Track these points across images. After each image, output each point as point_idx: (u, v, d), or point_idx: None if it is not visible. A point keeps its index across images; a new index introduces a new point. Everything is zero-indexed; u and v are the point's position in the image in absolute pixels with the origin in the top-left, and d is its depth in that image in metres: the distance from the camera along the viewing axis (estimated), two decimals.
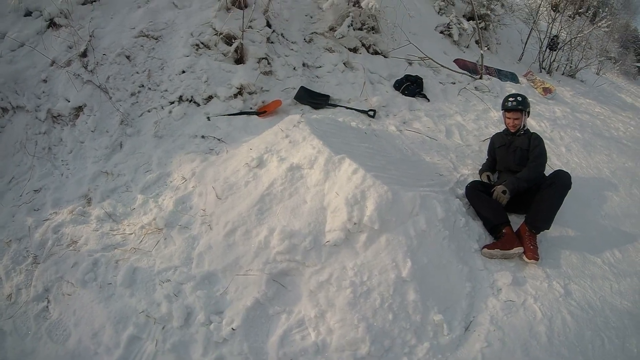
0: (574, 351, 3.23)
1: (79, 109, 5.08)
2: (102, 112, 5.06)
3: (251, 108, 5.24)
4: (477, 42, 8.08)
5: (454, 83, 6.75)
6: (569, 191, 4.04)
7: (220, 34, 5.55)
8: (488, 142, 5.06)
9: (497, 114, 6.07)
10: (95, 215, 4.08)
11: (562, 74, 10.25)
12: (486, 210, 4.07)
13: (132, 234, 3.84)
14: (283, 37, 6.10)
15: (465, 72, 7.12)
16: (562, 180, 4.00)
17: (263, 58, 5.58)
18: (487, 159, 4.83)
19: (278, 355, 3.00)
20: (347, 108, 5.44)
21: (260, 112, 5.17)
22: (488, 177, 4.57)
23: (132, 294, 3.36)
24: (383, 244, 3.41)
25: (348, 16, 6.36)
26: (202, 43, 5.56)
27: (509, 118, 4.50)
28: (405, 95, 5.99)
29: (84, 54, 5.36)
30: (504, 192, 4.09)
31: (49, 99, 5.11)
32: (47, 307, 3.47)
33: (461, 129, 5.63)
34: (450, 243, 3.64)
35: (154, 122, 4.98)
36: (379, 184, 3.54)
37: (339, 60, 6.16)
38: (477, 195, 4.15)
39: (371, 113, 5.40)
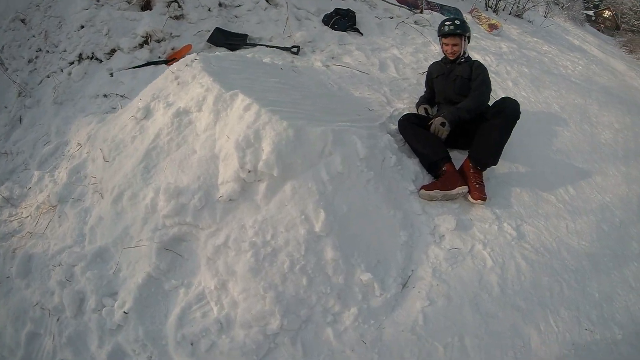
0: (531, 301, 2.69)
1: None
2: (0, 84, 4.45)
3: (159, 57, 4.52)
4: None
5: (392, 17, 5.95)
6: (517, 122, 3.35)
7: None
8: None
9: (437, 47, 5.32)
10: None
11: (509, 14, 9.32)
12: (423, 146, 3.37)
13: (28, 216, 3.25)
14: None
15: (405, 6, 6.12)
16: (509, 109, 3.31)
17: (172, 1, 4.80)
18: (424, 92, 4.11)
19: (176, 339, 2.36)
20: (268, 46, 4.69)
21: (169, 60, 4.44)
22: (426, 110, 3.85)
23: (28, 284, 2.82)
24: (288, 194, 2.67)
25: None
26: None
27: (446, 44, 3.73)
28: (335, 29, 5.18)
29: None
30: (442, 124, 3.38)
31: None
32: None
33: (397, 62, 4.86)
34: (378, 185, 2.93)
35: (52, 88, 4.31)
36: (277, 119, 2.74)
37: None
38: (411, 129, 3.43)
39: (294, 50, 4.64)
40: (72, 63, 4.46)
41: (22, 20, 4.76)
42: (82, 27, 4.57)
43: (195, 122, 2.99)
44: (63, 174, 3.35)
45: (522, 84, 5.34)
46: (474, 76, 3.63)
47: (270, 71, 3.70)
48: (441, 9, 6.79)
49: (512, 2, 9.37)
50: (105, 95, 4.15)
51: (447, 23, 3.66)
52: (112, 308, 2.51)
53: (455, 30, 3.63)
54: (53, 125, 3.99)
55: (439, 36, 3.78)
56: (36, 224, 3.13)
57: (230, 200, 2.65)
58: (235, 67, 3.49)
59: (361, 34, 5.20)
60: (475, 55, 5.37)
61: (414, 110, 3.93)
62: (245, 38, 4.71)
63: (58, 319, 2.59)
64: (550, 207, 3.42)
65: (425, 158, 3.34)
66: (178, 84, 3.26)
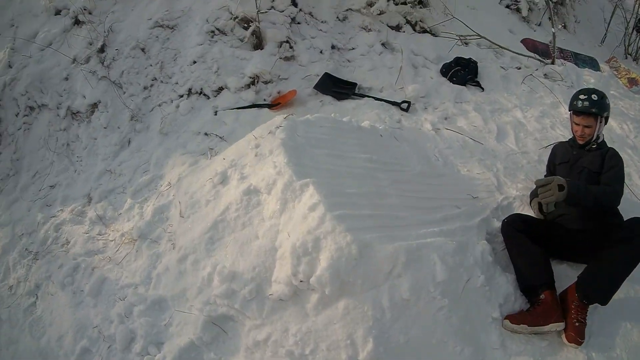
0: None
1: (94, 105, 4.73)
2: (115, 108, 4.66)
3: (264, 100, 4.34)
4: (550, 18, 6.16)
5: (519, 68, 5.16)
6: None
7: (236, 17, 4.66)
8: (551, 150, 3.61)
9: (567, 111, 4.40)
10: (89, 216, 3.86)
11: None
12: (525, 264, 2.68)
13: (113, 240, 3.54)
14: (311, 16, 4.99)
15: (534, 54, 5.37)
16: None
17: (284, 42, 4.59)
18: (544, 177, 3.31)
19: None
20: (376, 99, 4.26)
21: (273, 105, 4.26)
22: (540, 206, 3.01)
23: (96, 304, 3.16)
24: (340, 312, 2.32)
25: None
26: (218, 29, 4.72)
27: (577, 124, 2.97)
28: (454, 82, 4.60)
29: (101, 50, 4.95)
30: (560, 187, 2.61)
31: (69, 96, 4.88)
32: (35, 303, 3.49)
33: (519, 129, 4.17)
34: (451, 315, 2.40)
35: (161, 118, 4.41)
36: (341, 231, 2.36)
37: (376, 40, 4.90)
38: (515, 239, 2.76)
39: (404, 105, 4.19)
40: (181, 96, 4.47)
41: (142, 49, 4.85)
42: (195, 62, 4.55)
43: (264, 205, 2.81)
44: (149, 210, 3.52)
45: None
46: (605, 169, 2.85)
47: (364, 142, 3.29)
48: (575, 58, 5.87)
49: None
50: (206, 134, 4.12)
51: (581, 97, 2.91)
52: (154, 358, 2.65)
53: (589, 109, 2.87)
54: (154, 155, 4.13)
55: (569, 110, 3.06)
56: (117, 250, 3.39)
57: (280, 299, 2.46)
58: (324, 137, 3.17)
59: (482, 89, 4.58)
60: (611, 122, 4.44)
61: (526, 200, 3.29)
62: (354, 87, 4.36)
63: (109, 347, 2.85)
64: None
65: (523, 279, 2.67)
66: (256, 155, 3.10)
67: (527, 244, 2.71)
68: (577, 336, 2.39)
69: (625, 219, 2.77)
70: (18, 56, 5.26)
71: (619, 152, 2.97)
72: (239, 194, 2.91)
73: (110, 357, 2.82)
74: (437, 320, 2.35)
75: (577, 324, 2.43)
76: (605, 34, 7.74)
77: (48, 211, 4.16)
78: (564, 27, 6.63)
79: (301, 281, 2.36)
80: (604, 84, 5.33)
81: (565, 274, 2.79)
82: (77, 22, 5.21)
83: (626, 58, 7.27)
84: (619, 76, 5.90)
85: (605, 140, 3.08)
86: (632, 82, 5.77)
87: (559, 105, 4.63)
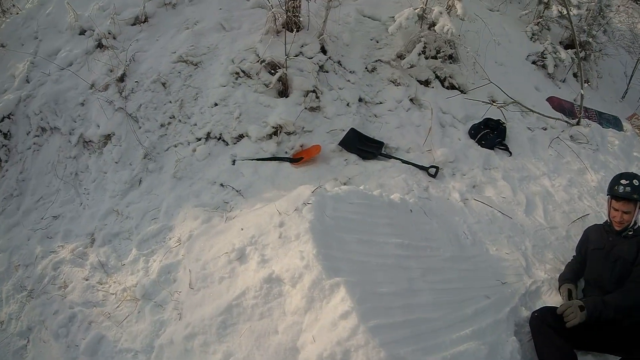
0: None
1: (108, 137, 4.44)
2: (129, 142, 4.36)
3: (286, 152, 4.11)
4: (575, 74, 6.01)
5: (545, 129, 4.99)
6: None
7: (263, 61, 4.42)
8: (579, 224, 3.60)
9: (594, 177, 4.38)
10: (91, 261, 3.60)
11: None
12: None
13: (114, 294, 3.29)
14: (340, 65, 4.74)
15: (560, 114, 5.19)
16: None
17: (311, 91, 4.36)
18: (573, 258, 3.27)
19: None
20: (403, 162, 4.05)
21: (295, 159, 4.01)
22: (569, 292, 2.98)
23: None
24: None
25: (419, 42, 4.79)
26: (243, 71, 4.47)
27: (616, 210, 2.87)
28: (482, 146, 4.40)
29: (121, 79, 4.66)
30: (581, 308, 2.63)
31: (83, 123, 4.60)
32: (26, 346, 3.24)
33: (547, 200, 4.00)
34: None
35: (175, 161, 4.13)
36: (374, 346, 2.16)
37: (404, 96, 4.67)
38: (543, 335, 2.69)
39: (432, 171, 4.00)
40: (199, 139, 4.22)
41: (163, 84, 4.58)
42: (216, 104, 4.31)
43: (286, 298, 2.56)
44: (156, 266, 3.29)
45: None
46: (639, 260, 2.75)
47: (395, 221, 3.08)
48: (599, 117, 5.68)
49: None
50: (222, 185, 3.88)
51: (622, 182, 2.84)
52: None
53: (632, 195, 2.79)
54: (165, 202, 3.87)
55: (608, 195, 2.94)
56: (117, 307, 3.15)
57: None
58: (354, 217, 2.95)
59: (510, 153, 4.39)
60: None
61: (554, 286, 3.17)
62: (381, 147, 4.14)
63: None
64: None
65: None
66: (280, 237, 2.83)
67: (558, 342, 2.62)
68: None
69: None
70: (37, 72, 4.99)
71: None
72: (259, 280, 2.66)
73: None
74: None
75: None
76: (627, 89, 7.57)
77: (48, 244, 3.90)
78: (587, 83, 6.45)
79: None
80: (627, 145, 5.19)
81: None
82: (100, 45, 4.97)
83: None
84: None
85: None
86: None
87: (585, 171, 4.47)
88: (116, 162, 4.28)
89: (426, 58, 4.83)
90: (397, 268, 2.71)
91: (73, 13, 5.20)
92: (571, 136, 4.94)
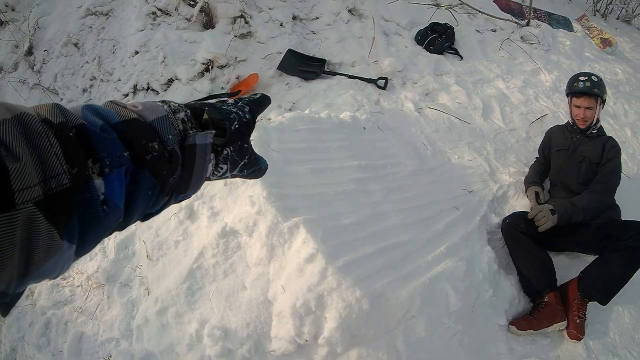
0: None
1: None
2: None
3: (222, 88, 3.59)
4: None
5: (494, 31, 4.58)
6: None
7: None
8: (538, 125, 3.39)
9: (548, 77, 4.09)
10: None
11: (617, 19, 7.29)
12: (528, 268, 2.49)
13: (79, 286, 2.84)
14: None
15: (509, 15, 4.79)
16: None
17: (238, 17, 3.75)
18: (536, 159, 3.05)
19: None
20: (350, 77, 3.56)
21: (233, 93, 3.20)
22: (537, 194, 2.81)
23: None
24: None
25: None
26: (160, 9, 3.82)
27: (578, 107, 2.69)
28: (431, 51, 3.96)
29: (29, 52, 4.01)
30: (552, 211, 2.50)
31: None
32: None
33: (504, 102, 3.67)
34: (463, 338, 2.10)
35: None
36: (348, 286, 1.88)
37: (342, 7, 4.14)
38: (517, 243, 2.55)
39: (381, 83, 3.53)
40: (126, 95, 3.62)
41: (75, 45, 3.90)
42: (137, 52, 3.67)
43: (246, 250, 2.21)
44: (112, 245, 2.83)
45: None
46: (604, 160, 2.62)
47: (348, 142, 2.68)
48: (549, 18, 5.32)
49: (622, 6, 7.34)
50: None
51: (581, 79, 2.64)
52: None
53: (592, 89, 2.60)
54: None
55: (568, 94, 2.74)
56: (86, 298, 2.75)
57: (284, 354, 1.98)
58: (302, 145, 2.53)
59: (461, 57, 3.98)
60: None
61: (520, 189, 2.97)
62: (323, 64, 3.62)
63: None
64: None
65: (528, 283, 2.48)
66: (225, 184, 2.42)
67: (531, 247, 2.52)
68: (578, 333, 2.33)
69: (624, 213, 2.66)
70: None
71: (600, 121, 2.77)
72: (214, 237, 2.29)
73: None
74: (450, 347, 2.09)
75: (578, 320, 2.36)
76: None
77: None
78: None
79: (306, 340, 1.88)
80: (578, 46, 4.91)
81: (563, 265, 2.66)
82: (0, 22, 4.17)
83: (594, 15, 6.76)
84: (592, 36, 5.42)
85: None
86: (605, 42, 5.30)
87: (539, 72, 4.14)
88: None
89: None
90: (357, 193, 2.35)
91: None
92: (522, 37, 4.59)
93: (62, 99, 3.78)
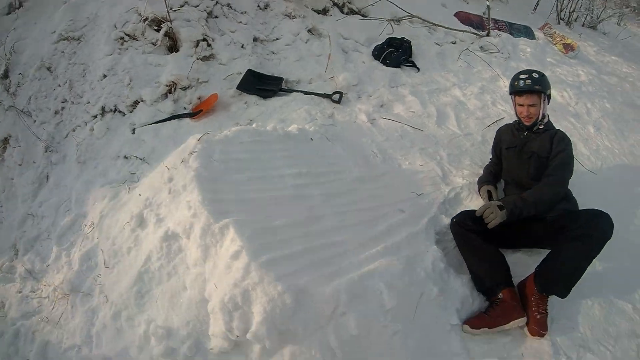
0: None
1: (5, 140, 3.98)
2: (27, 140, 3.89)
3: (185, 109, 3.62)
4: None
5: (454, 43, 4.67)
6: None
7: (146, 19, 3.88)
8: (493, 128, 3.29)
9: (507, 83, 4.05)
10: (19, 272, 3.21)
11: (582, 26, 7.43)
12: (479, 265, 2.41)
13: (47, 297, 2.95)
14: (230, 7, 4.22)
15: (469, 28, 4.87)
16: (600, 233, 2.21)
17: (201, 40, 3.85)
18: (490, 160, 3.01)
19: None
20: (305, 93, 3.65)
21: (195, 113, 3.55)
22: (489, 193, 2.78)
23: None
24: None
25: None
26: (127, 34, 3.92)
27: (521, 105, 2.64)
28: (387, 65, 4.02)
29: (4, 75, 4.17)
30: (500, 207, 2.42)
31: None
32: None
33: (459, 109, 3.69)
34: (407, 337, 2.04)
35: (76, 145, 3.65)
36: (270, 281, 1.91)
37: (301, 28, 4.22)
38: (466, 240, 2.47)
39: (335, 97, 3.59)
40: (95, 117, 3.70)
41: (48, 69, 4.04)
42: (105, 76, 3.77)
43: (185, 251, 2.29)
44: (76, 257, 2.92)
45: (604, 128, 4.02)
46: (553, 153, 2.56)
47: (293, 153, 2.72)
48: (510, 28, 5.39)
49: (586, 13, 7.44)
50: (125, 157, 3.41)
51: (522, 77, 2.60)
52: None
53: (533, 87, 2.56)
54: (74, 191, 3.42)
55: (511, 94, 2.69)
56: (52, 308, 2.83)
57: (222, 352, 2.02)
58: (246, 156, 2.59)
59: (418, 69, 4.04)
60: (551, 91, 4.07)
61: (474, 190, 2.93)
62: (280, 82, 3.70)
63: None
64: (624, 321, 2.38)
65: (480, 281, 2.39)
66: (170, 192, 2.49)
67: (480, 244, 2.43)
68: (540, 329, 2.23)
69: (579, 205, 2.60)
70: None
71: (561, 120, 2.86)
72: (158, 241, 2.39)
73: None
74: (392, 346, 2.02)
75: (538, 316, 2.25)
76: (538, 1, 7.30)
77: None
78: None
79: (237, 336, 1.91)
80: (540, 52, 4.96)
81: (522, 262, 2.57)
82: None
83: (559, 23, 6.83)
84: (554, 42, 5.49)
85: (550, 119, 2.72)
86: (567, 47, 5.36)
87: (497, 78, 4.18)
88: (20, 165, 3.82)
89: None
90: (295, 198, 2.39)
91: None
92: (481, 47, 4.65)
93: (35, 121, 3.89)
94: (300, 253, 2.09)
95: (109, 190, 3.19)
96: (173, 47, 3.86)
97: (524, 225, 2.49)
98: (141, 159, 3.34)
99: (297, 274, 1.98)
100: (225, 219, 2.13)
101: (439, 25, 4.62)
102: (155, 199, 2.61)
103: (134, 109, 3.65)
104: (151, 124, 3.52)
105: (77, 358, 2.49)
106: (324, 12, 4.41)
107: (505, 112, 3.70)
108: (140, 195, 2.76)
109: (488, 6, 4.87)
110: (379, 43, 4.15)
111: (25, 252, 3.32)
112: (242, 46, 3.94)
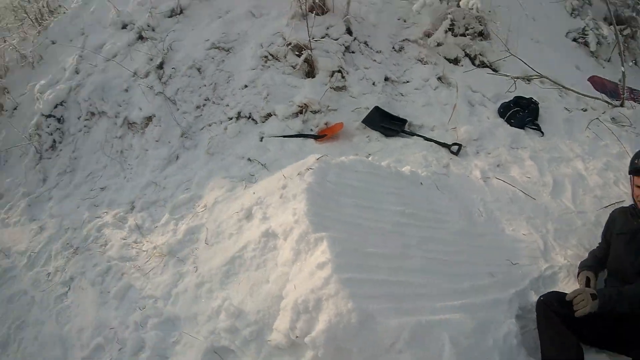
0: None
1: (149, 118, 4.78)
2: (168, 123, 4.69)
3: (311, 130, 4.18)
4: (620, 54, 5.44)
5: (585, 110, 4.62)
6: None
7: (289, 44, 4.52)
8: (611, 210, 3.07)
9: None
10: (129, 224, 4.00)
11: None
12: (553, 354, 2.21)
13: (145, 251, 3.63)
14: (366, 45, 4.72)
15: (603, 95, 4.78)
16: None
17: (336, 71, 4.38)
18: (599, 245, 2.85)
19: None
20: (426, 139, 3.95)
21: (320, 136, 4.07)
22: (587, 280, 2.59)
23: (117, 307, 3.26)
24: None
25: (446, 19, 4.63)
26: (271, 54, 4.63)
27: (638, 186, 2.46)
28: (511, 125, 4.16)
29: (160, 66, 5.01)
30: (593, 296, 2.16)
31: (127, 107, 4.99)
32: (66, 293, 3.64)
33: (578, 183, 3.67)
34: None
35: (209, 138, 4.37)
36: (344, 296, 2.18)
37: (432, 74, 4.54)
38: (549, 323, 2.27)
39: (454, 148, 3.85)
40: (230, 119, 4.42)
41: (198, 69, 4.84)
42: (246, 86, 4.49)
43: (279, 250, 2.75)
44: (183, 228, 3.58)
45: None
46: None
47: (402, 191, 3.03)
48: None
49: None
50: (249, 159, 4.04)
51: None
52: None
53: None
54: (198, 174, 4.15)
55: (630, 173, 2.54)
56: (146, 262, 3.48)
57: (277, 347, 2.37)
58: (357, 184, 2.98)
59: (542, 133, 4.13)
60: None
61: (575, 270, 2.78)
62: (404, 124, 4.08)
63: (120, 349, 2.90)
64: None
65: None
66: (281, 197, 3.02)
67: (561, 331, 2.23)
68: None
69: None
70: (85, 64, 5.42)
71: None
72: (258, 235, 2.90)
73: (119, 358, 2.90)
74: None
75: None
76: None
77: (94, 211, 4.34)
78: (635, 63, 5.90)
79: (297, 337, 2.24)
80: None
81: None
82: (140, 37, 5.30)
83: None
84: None
85: None
86: None
87: (625, 155, 4.09)
88: (156, 141, 4.61)
89: (454, 35, 4.67)
90: (392, 233, 2.69)
91: (114, 9, 5.64)
92: (613, 118, 4.56)
93: (178, 109, 4.69)
94: (380, 282, 2.34)
95: (227, 183, 3.82)
96: (310, 73, 4.45)
97: (615, 323, 2.27)
98: (262, 165, 3.91)
99: (371, 299, 2.21)
100: (322, 232, 2.51)
101: (570, 90, 4.65)
102: (266, 200, 3.16)
103: (266, 120, 4.29)
104: (278, 136, 4.11)
105: (151, 306, 3.07)
106: (455, 61, 4.69)
107: (627, 194, 3.62)
108: (254, 193, 3.32)
109: (623, 73, 4.75)
110: (506, 100, 4.33)
111: (140, 210, 4.08)
112: (374, 83, 4.41)
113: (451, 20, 4.61)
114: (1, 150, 5.80)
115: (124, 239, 3.83)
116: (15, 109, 6.01)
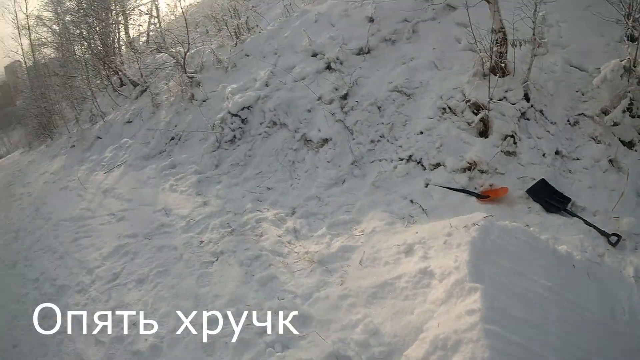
0: None
1: (326, 140, 5.60)
2: (342, 148, 5.46)
3: (475, 188, 4.65)
4: None
5: None
6: None
7: (468, 101, 5.02)
8: None
9: None
10: (287, 225, 4.75)
11: None
12: None
13: (296, 252, 4.27)
14: (542, 114, 5.00)
15: None
16: None
17: (509, 135, 4.77)
18: None
19: None
20: (586, 222, 4.14)
21: (482, 196, 4.50)
22: None
23: (257, 290, 3.84)
24: None
25: (625, 97, 4.60)
26: (449, 108, 5.18)
27: None
28: None
29: (344, 97, 5.85)
30: None
31: (307, 125, 5.85)
32: (213, 262, 4.37)
33: None
34: None
35: (377, 173, 5.06)
36: (483, 345, 2.48)
37: (603, 155, 4.64)
38: None
39: (613, 239, 3.96)
40: (401, 159, 5.06)
41: (379, 107, 5.57)
42: (421, 133, 5.10)
43: (431, 289, 3.21)
44: (337, 244, 4.21)
45: None
46: None
47: (552, 268, 3.26)
48: None
49: None
50: (411, 201, 4.61)
51: None
52: (275, 353, 3.20)
53: None
54: (360, 202, 4.80)
55: None
56: (295, 262, 4.12)
57: None
58: (515, 249, 3.34)
59: None
60: None
61: None
62: (567, 203, 4.29)
63: (248, 325, 3.43)
64: None
65: None
66: (444, 243, 3.53)
67: None
68: None
69: None
70: (275, 80, 6.51)
71: None
72: (416, 270, 3.43)
73: (243, 332, 3.42)
74: None
75: None
76: None
77: (257, 205, 5.24)
78: None
79: None
80: None
81: None
82: (328, 67, 6.24)
83: None
84: None
85: None
86: None
87: None
88: (328, 162, 5.41)
89: (632, 117, 4.66)
90: (535, 305, 2.92)
91: (308, 39, 6.65)
92: None
93: (353, 139, 5.46)
94: (518, 344, 2.55)
95: (387, 216, 4.41)
96: (484, 133, 4.91)
97: None
98: (423, 209, 4.45)
99: (507, 355, 2.46)
100: (478, 284, 2.88)
101: None
102: (429, 242, 3.71)
103: (435, 168, 4.85)
104: (444, 186, 4.63)
105: (289, 300, 3.60)
106: (630, 145, 4.68)
107: None
108: (417, 233, 3.91)
109: None
110: None
111: (299, 217, 4.84)
112: (544, 154, 4.63)
113: (630, 100, 4.59)
114: (185, 131, 7.08)
115: (279, 237, 4.53)
116: (204, 101, 7.37)
